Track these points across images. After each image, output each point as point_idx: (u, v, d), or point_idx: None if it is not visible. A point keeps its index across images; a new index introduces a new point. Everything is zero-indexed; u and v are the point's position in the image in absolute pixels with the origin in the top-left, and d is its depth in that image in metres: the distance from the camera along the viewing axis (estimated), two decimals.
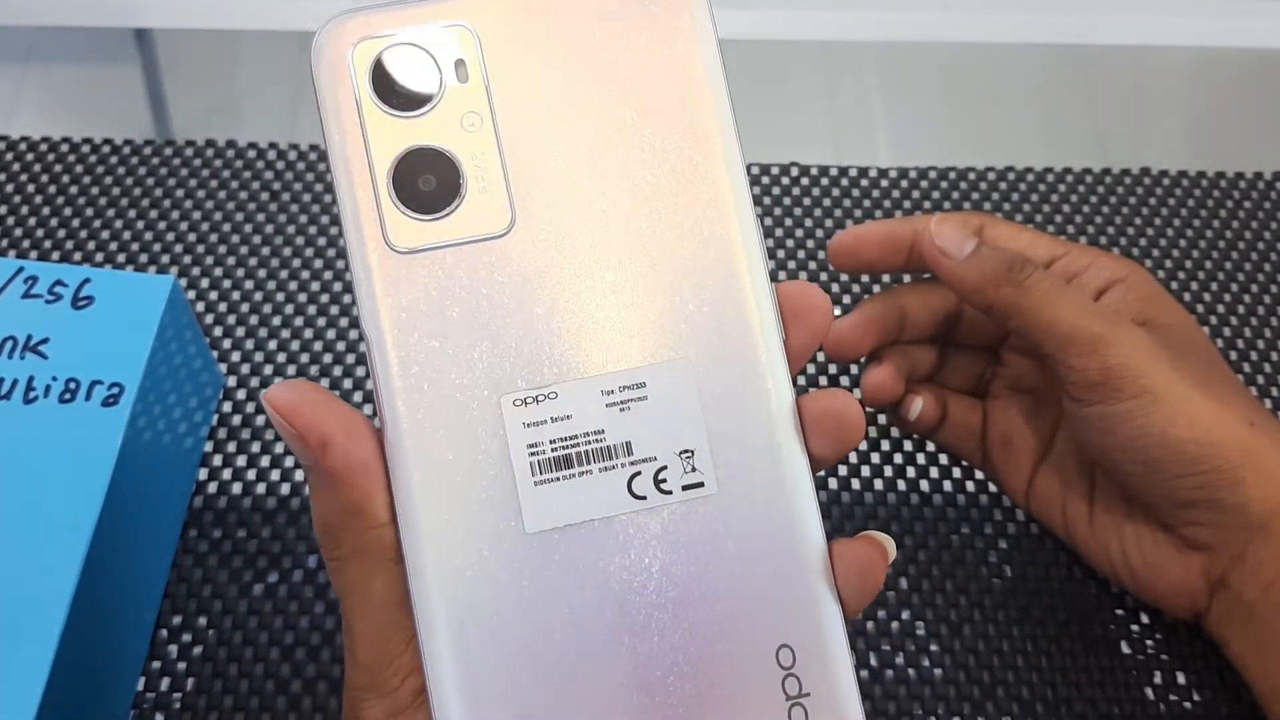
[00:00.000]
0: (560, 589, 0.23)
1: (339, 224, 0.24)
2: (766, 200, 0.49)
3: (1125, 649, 0.38)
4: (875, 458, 0.42)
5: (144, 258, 0.46)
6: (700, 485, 0.24)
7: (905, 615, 0.39)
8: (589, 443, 0.23)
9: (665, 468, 0.23)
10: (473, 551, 0.23)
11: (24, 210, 0.47)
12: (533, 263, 0.24)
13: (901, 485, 0.42)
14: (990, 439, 0.40)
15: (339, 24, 0.24)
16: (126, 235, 0.46)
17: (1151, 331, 0.35)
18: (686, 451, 0.24)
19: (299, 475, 0.41)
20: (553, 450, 0.23)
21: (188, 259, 0.46)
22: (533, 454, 0.23)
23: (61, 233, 0.46)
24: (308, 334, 0.44)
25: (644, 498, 0.23)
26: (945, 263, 0.35)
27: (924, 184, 0.49)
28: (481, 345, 0.23)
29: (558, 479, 0.23)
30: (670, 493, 0.23)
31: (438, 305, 0.23)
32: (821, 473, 0.41)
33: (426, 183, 0.24)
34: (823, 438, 0.25)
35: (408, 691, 0.24)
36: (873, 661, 0.38)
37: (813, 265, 0.47)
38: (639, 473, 0.23)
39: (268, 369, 0.43)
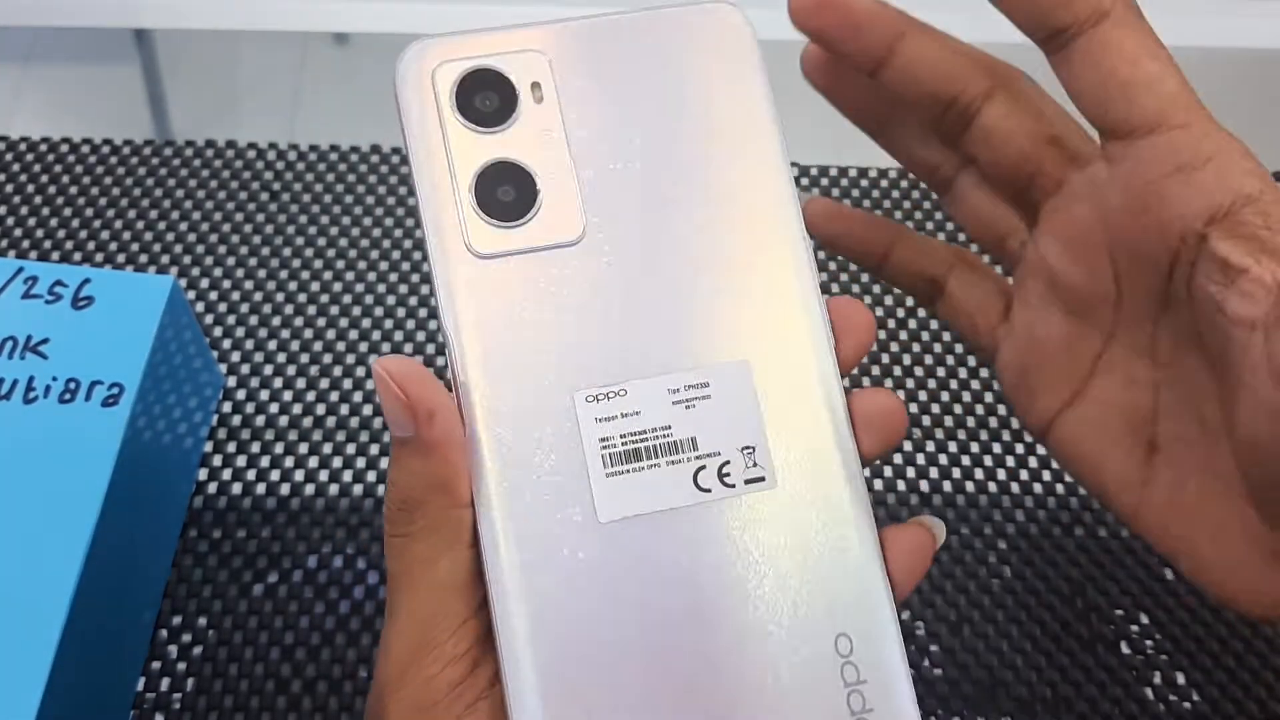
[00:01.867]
0: (632, 576, 0.24)
1: (421, 231, 0.25)
2: None
3: (1125, 649, 0.38)
4: None
5: (144, 258, 0.46)
6: (761, 480, 0.25)
7: (905, 616, 0.39)
8: (657, 437, 0.25)
9: (728, 462, 0.25)
10: (549, 539, 0.24)
11: (24, 210, 0.47)
12: (603, 269, 0.25)
13: (901, 486, 0.42)
14: (1004, 359, 0.31)
15: (422, 47, 0.26)
16: (126, 235, 0.46)
17: None
18: (748, 447, 0.25)
19: (299, 476, 0.41)
20: (623, 444, 0.25)
21: (187, 259, 0.46)
22: (604, 447, 0.24)
23: (61, 233, 0.46)
24: (308, 334, 0.44)
25: (709, 490, 0.25)
26: None
27: (924, 184, 0.49)
28: (555, 344, 0.25)
29: (628, 471, 0.24)
30: (733, 486, 0.25)
31: (515, 307, 0.25)
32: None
33: (505, 193, 0.25)
34: (871, 434, 0.26)
35: (443, 683, 0.24)
36: None
37: None
38: (704, 466, 0.25)
39: (268, 369, 0.43)
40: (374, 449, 0.42)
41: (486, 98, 0.26)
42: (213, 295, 0.45)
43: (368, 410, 0.42)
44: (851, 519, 0.25)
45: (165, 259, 0.46)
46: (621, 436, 0.25)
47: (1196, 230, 0.25)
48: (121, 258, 0.46)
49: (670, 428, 0.25)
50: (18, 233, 0.46)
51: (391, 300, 0.45)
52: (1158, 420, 0.29)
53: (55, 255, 0.46)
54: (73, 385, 0.35)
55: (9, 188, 0.47)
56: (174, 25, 0.55)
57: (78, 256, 0.46)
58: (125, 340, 0.36)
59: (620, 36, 0.27)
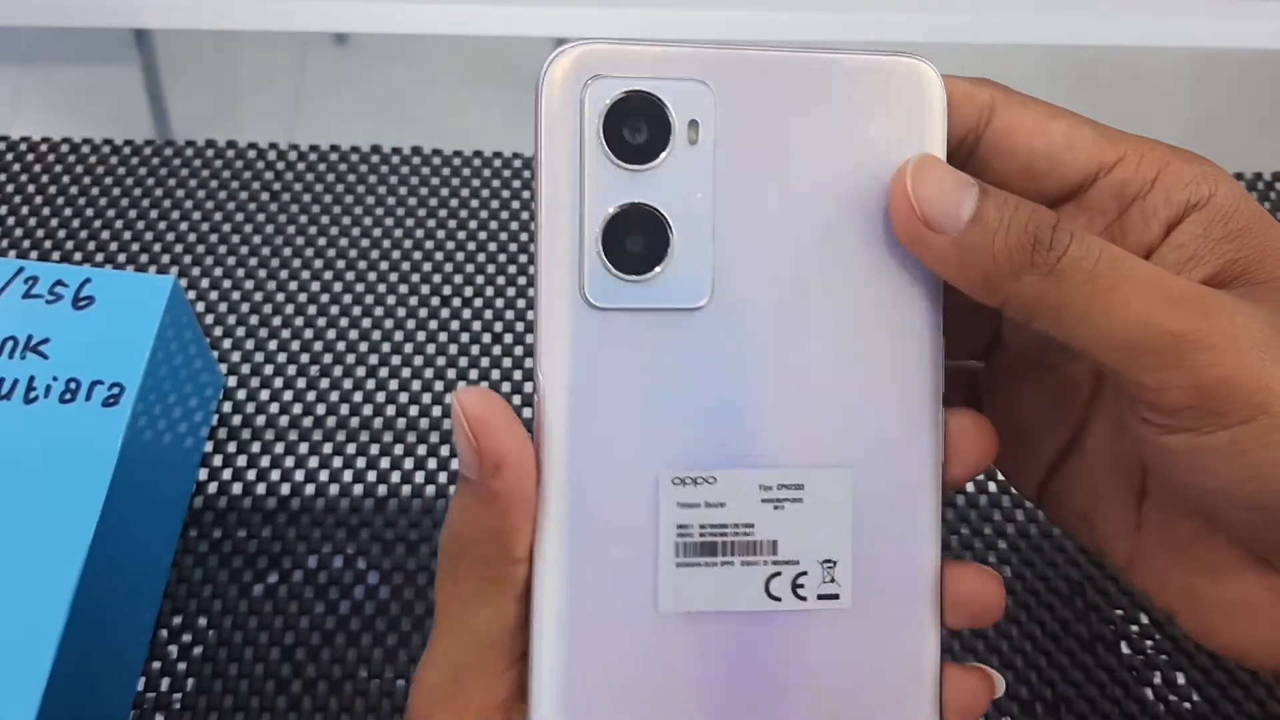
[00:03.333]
0: (681, 673, 0.23)
1: (534, 266, 0.23)
2: None
3: (1125, 649, 0.38)
4: None
5: (144, 258, 0.46)
6: (836, 597, 0.24)
7: None
8: (737, 534, 0.23)
9: (805, 574, 0.23)
10: (602, 618, 0.23)
11: (24, 210, 0.47)
12: (719, 341, 0.23)
13: None
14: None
15: (575, 53, 0.23)
16: (127, 235, 0.46)
17: (1260, 300, 0.23)
18: (829, 562, 0.24)
19: (299, 475, 0.41)
20: (701, 535, 0.23)
21: (188, 259, 0.46)
22: (681, 535, 0.23)
23: (62, 233, 0.46)
24: (308, 334, 0.44)
25: (779, 599, 0.23)
26: (935, 241, 0.23)
27: None
28: (653, 415, 0.23)
29: (699, 564, 0.23)
30: (805, 599, 0.23)
31: (619, 366, 0.23)
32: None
33: (635, 243, 0.23)
34: (958, 610, 0.24)
35: None
36: None
37: None
38: (779, 573, 0.23)
39: (268, 369, 0.43)
40: (374, 449, 0.42)
41: (638, 129, 0.23)
42: (213, 295, 0.45)
43: (368, 410, 0.42)
44: (918, 659, 0.24)
45: (166, 259, 0.46)
46: (701, 527, 0.23)
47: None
48: (122, 257, 0.46)
49: (753, 526, 0.23)
50: (18, 233, 0.46)
51: (392, 300, 0.45)
52: (1148, 469, 0.28)
53: (56, 255, 0.46)
54: (73, 385, 0.35)
55: (9, 188, 0.47)
56: (174, 25, 0.55)
57: (78, 256, 0.46)
58: (126, 340, 0.36)
59: (796, 79, 0.23)
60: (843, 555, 0.24)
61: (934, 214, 0.23)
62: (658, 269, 0.23)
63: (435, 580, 0.24)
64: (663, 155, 0.23)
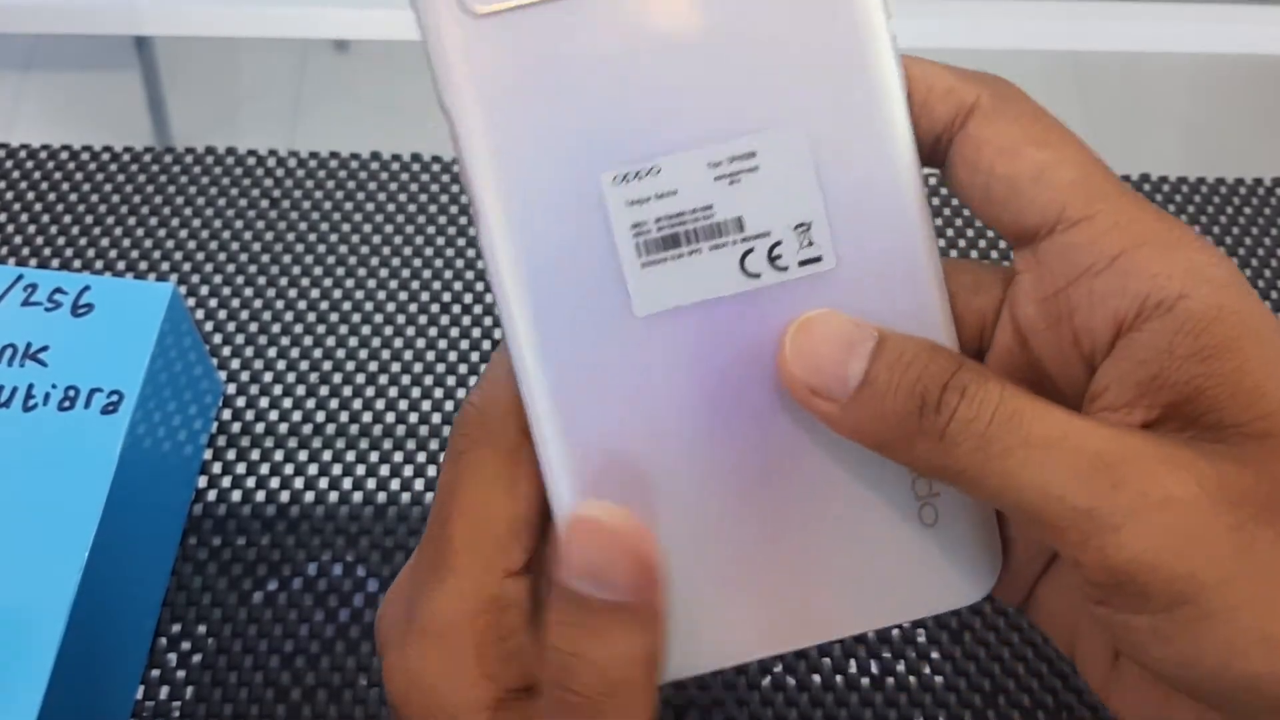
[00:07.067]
0: (673, 373, 0.22)
1: None
2: None
3: None
4: None
5: (143, 265, 0.46)
6: (818, 260, 0.22)
7: (906, 621, 0.39)
8: (696, 220, 0.22)
9: (780, 243, 0.22)
10: (580, 337, 0.22)
11: (24, 218, 0.47)
12: (623, 21, 0.21)
13: None
14: None
15: None
16: (126, 243, 0.46)
17: (1209, 456, 0.20)
18: (803, 225, 0.22)
19: (298, 483, 0.41)
20: (658, 230, 0.22)
21: (187, 266, 0.46)
22: (637, 234, 0.22)
23: (61, 240, 0.46)
24: (307, 341, 0.44)
25: (758, 275, 0.22)
26: (822, 407, 0.21)
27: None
28: (574, 116, 0.21)
29: (665, 259, 0.22)
30: (786, 269, 0.22)
31: (524, 73, 0.21)
32: None
33: None
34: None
35: None
36: (873, 669, 0.38)
37: None
38: (752, 249, 0.22)
39: (267, 376, 0.43)
40: (373, 456, 0.42)
41: None
42: (213, 302, 0.45)
43: (367, 417, 0.42)
44: (919, 298, 0.22)
45: (165, 266, 0.46)
46: (656, 221, 0.21)
47: (1104, 346, 0.21)
48: (121, 265, 0.46)
49: (711, 208, 0.22)
50: (17, 240, 0.46)
51: (391, 307, 0.45)
52: None
53: (55, 262, 0.46)
54: (72, 393, 0.35)
55: (9, 195, 0.47)
56: (174, 32, 0.55)
57: (78, 264, 0.46)
58: (125, 347, 0.36)
59: None
60: (816, 216, 0.22)
61: (818, 384, 0.21)
62: None
63: None
64: None
